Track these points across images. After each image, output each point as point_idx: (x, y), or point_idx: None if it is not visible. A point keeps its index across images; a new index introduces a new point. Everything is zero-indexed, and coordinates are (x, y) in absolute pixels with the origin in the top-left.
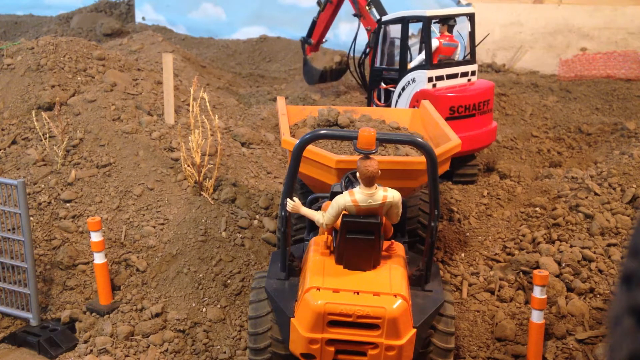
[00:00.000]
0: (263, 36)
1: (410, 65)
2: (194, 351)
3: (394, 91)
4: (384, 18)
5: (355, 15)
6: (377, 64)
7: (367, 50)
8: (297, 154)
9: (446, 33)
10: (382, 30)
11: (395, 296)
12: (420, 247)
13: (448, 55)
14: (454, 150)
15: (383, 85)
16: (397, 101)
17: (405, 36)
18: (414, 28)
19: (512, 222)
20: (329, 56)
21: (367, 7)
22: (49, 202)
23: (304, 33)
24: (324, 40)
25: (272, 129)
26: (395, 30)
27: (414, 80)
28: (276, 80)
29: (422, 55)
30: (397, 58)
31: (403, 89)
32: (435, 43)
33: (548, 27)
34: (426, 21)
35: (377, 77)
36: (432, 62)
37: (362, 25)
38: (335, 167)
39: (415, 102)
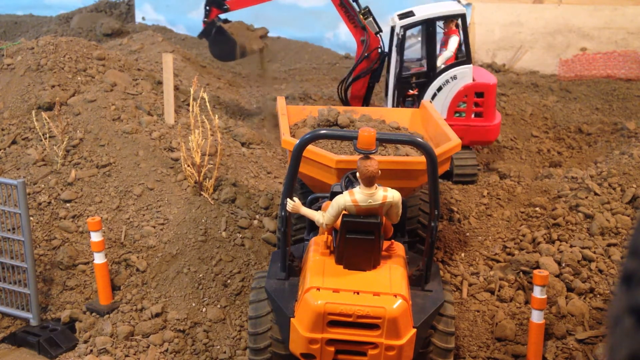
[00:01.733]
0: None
1: (438, 64)
2: (194, 351)
3: (416, 95)
4: (405, 22)
5: (363, 28)
6: (404, 72)
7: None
8: (297, 154)
9: (454, 28)
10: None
11: (395, 296)
12: (420, 247)
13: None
14: (454, 150)
15: (410, 91)
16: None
17: (433, 36)
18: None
19: (512, 222)
20: (256, 33)
21: (364, 18)
22: (49, 202)
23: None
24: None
25: (272, 129)
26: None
27: (454, 77)
28: (276, 80)
29: (448, 53)
30: (415, 61)
31: (439, 89)
32: (456, 39)
33: (548, 27)
34: (464, 17)
35: (407, 84)
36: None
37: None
38: (335, 167)
39: (463, 97)
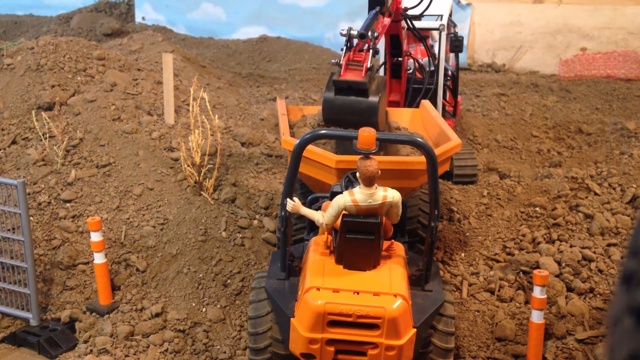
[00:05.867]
0: (263, 36)
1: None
2: (194, 351)
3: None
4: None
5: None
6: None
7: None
8: (297, 154)
9: None
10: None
11: (395, 296)
12: (420, 247)
13: None
14: (454, 150)
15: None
16: None
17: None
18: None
19: (512, 222)
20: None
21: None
22: (49, 202)
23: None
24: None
25: (272, 129)
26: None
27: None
28: (276, 80)
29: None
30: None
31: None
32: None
33: (548, 27)
34: None
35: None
36: None
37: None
38: (335, 167)
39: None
